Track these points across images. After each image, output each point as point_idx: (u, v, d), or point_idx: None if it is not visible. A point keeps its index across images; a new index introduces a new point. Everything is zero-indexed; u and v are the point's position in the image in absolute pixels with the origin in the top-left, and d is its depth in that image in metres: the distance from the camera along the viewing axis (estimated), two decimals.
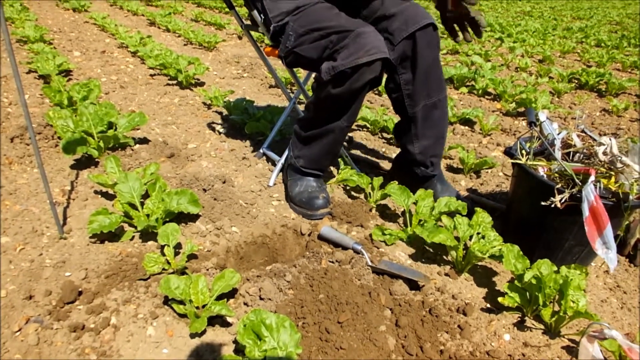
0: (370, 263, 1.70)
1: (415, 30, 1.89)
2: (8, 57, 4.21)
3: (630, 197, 1.56)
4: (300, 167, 2.13)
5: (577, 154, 1.77)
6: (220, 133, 3.01)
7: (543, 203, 1.61)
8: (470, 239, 1.78)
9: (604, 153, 1.63)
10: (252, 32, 2.38)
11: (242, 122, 3.01)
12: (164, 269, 1.62)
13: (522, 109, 3.84)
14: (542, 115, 1.91)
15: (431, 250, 1.91)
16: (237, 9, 2.26)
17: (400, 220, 2.14)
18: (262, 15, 2.03)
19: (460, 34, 1.94)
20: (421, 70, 1.96)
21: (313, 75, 2.29)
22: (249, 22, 2.29)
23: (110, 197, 2.12)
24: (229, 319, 1.46)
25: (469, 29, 1.92)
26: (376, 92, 4.23)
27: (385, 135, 3.19)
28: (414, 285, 1.66)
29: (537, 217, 1.75)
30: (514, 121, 3.64)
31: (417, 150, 2.15)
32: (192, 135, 2.93)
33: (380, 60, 1.78)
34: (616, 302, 1.73)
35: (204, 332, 1.40)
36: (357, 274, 1.64)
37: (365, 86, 1.84)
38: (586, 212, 1.51)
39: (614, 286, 1.81)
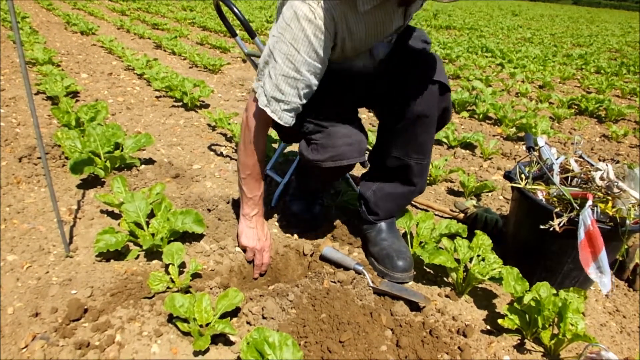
0: (371, 284, 1.72)
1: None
2: (18, 79, 4.26)
3: (628, 221, 1.58)
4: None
5: (575, 179, 1.81)
6: (224, 154, 3.05)
7: (542, 227, 1.64)
8: (470, 261, 1.80)
9: (601, 178, 1.67)
10: (255, 58, 2.44)
11: None
12: (168, 288, 1.65)
13: (522, 134, 3.89)
14: (541, 141, 1.95)
15: (432, 272, 1.94)
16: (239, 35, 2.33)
17: None
18: None
19: None
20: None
21: None
22: (251, 49, 2.36)
23: (115, 216, 2.15)
24: (232, 338, 1.48)
25: None
26: None
27: None
28: (414, 306, 1.68)
29: (536, 240, 1.78)
30: (514, 145, 3.69)
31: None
32: (196, 156, 2.97)
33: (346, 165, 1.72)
34: (615, 326, 1.74)
35: (207, 350, 1.42)
36: (358, 295, 1.66)
37: (337, 176, 1.90)
38: (581, 235, 1.54)
39: (613, 310, 1.83)
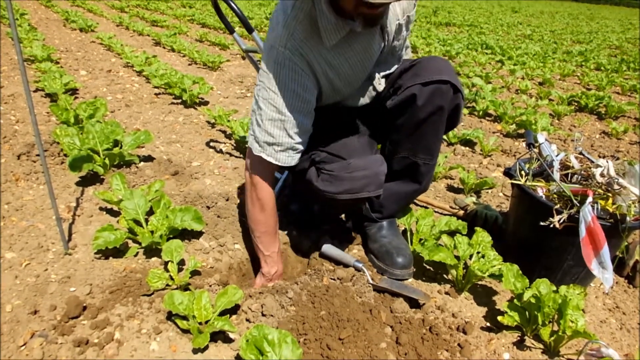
0: (371, 281, 1.72)
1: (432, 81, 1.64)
2: (17, 76, 4.25)
3: (628, 218, 1.58)
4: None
5: (575, 176, 1.80)
6: (223, 151, 3.05)
7: (542, 223, 1.63)
8: (470, 258, 1.80)
9: (602, 175, 1.66)
10: (253, 54, 2.44)
11: (245, 140, 3.06)
12: (167, 285, 1.64)
13: (522, 131, 3.89)
14: (541, 137, 1.94)
15: (431, 269, 1.93)
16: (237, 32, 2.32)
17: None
18: None
19: None
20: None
21: None
22: (250, 45, 2.35)
23: (114, 213, 2.14)
24: (231, 335, 1.48)
25: None
26: None
27: None
28: (414, 303, 1.68)
29: (536, 237, 1.77)
30: (514, 142, 3.68)
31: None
32: (196, 154, 2.97)
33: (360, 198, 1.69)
34: (615, 322, 1.74)
35: (206, 347, 1.42)
36: (358, 292, 1.66)
37: (348, 208, 1.94)
38: (583, 232, 1.54)
39: (613, 307, 1.83)
